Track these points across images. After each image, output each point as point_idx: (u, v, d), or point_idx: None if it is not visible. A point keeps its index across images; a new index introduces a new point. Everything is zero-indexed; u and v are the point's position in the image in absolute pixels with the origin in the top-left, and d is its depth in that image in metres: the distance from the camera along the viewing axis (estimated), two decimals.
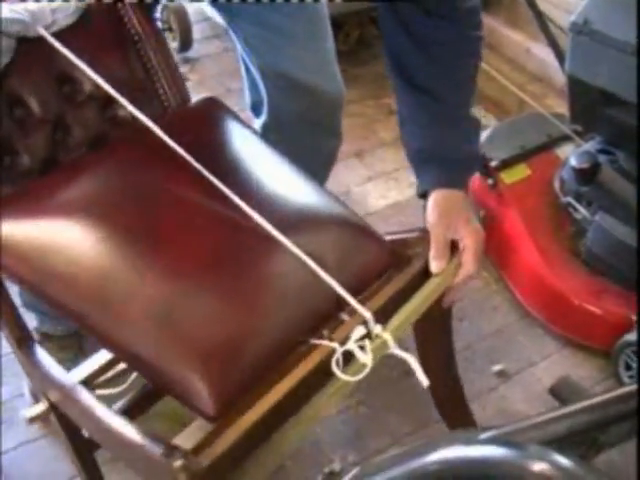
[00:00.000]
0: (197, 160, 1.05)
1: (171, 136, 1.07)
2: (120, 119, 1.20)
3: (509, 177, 1.86)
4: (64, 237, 0.99)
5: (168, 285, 0.95)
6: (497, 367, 1.70)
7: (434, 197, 1.18)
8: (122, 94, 1.13)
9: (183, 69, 2.60)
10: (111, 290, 0.95)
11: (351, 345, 0.95)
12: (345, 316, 1.01)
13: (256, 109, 1.61)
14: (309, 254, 1.00)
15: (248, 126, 1.25)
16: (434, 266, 1.12)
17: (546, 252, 1.76)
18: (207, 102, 1.28)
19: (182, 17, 2.59)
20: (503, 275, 1.90)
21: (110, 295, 0.95)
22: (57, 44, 1.11)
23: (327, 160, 1.70)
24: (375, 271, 1.10)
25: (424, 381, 0.97)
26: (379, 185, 2.19)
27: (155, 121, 1.09)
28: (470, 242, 1.14)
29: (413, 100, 1.20)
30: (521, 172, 1.87)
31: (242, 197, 1.03)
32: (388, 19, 1.17)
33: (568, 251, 1.76)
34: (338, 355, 0.94)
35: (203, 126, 1.22)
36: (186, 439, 0.87)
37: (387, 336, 0.97)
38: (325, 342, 0.96)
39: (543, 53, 2.25)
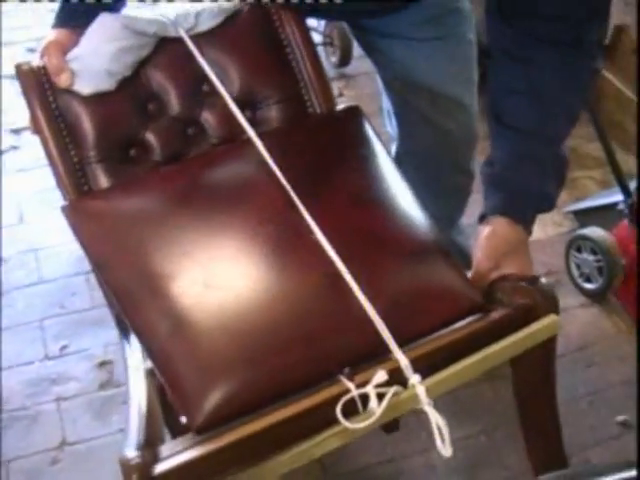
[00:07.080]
0: (306, 167, 1.13)
1: (294, 142, 1.16)
2: (258, 120, 1.23)
3: None
4: (144, 222, 1.08)
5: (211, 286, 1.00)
6: (621, 417, 1.62)
7: (493, 225, 1.13)
8: (263, 96, 1.21)
9: (339, 84, 2.60)
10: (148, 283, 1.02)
11: (369, 389, 0.89)
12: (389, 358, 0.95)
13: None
14: (362, 281, 0.98)
15: (378, 141, 1.22)
16: None
17: None
18: (348, 111, 1.27)
19: (344, 33, 2.58)
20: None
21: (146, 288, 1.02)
22: (191, 45, 1.18)
23: (457, 195, 1.66)
24: (447, 315, 1.04)
25: (445, 452, 0.90)
26: None
27: (290, 125, 1.19)
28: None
29: (499, 132, 1.16)
30: None
31: (322, 208, 1.06)
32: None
33: None
34: (353, 396, 0.89)
35: (331, 135, 1.23)
36: (173, 446, 0.89)
37: (420, 389, 0.90)
38: (345, 381, 0.91)
39: None
